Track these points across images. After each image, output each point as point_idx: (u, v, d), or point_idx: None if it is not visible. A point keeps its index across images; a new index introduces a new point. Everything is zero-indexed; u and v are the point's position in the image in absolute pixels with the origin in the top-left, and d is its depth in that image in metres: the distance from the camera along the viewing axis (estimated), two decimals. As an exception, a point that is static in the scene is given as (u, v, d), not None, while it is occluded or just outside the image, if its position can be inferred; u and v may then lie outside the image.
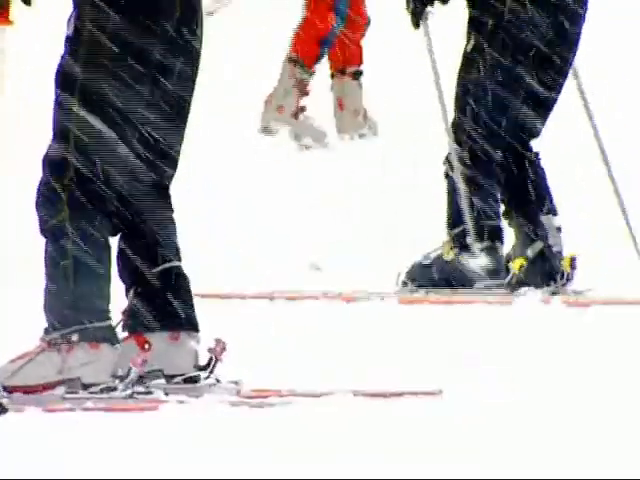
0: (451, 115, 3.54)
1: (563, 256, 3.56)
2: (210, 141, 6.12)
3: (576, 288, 3.58)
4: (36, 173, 1.93)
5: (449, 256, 3.43)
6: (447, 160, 3.51)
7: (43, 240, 1.88)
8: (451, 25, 3.99)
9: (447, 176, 3.50)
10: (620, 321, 2.99)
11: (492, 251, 3.41)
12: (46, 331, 1.86)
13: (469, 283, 3.41)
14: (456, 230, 3.42)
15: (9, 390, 1.82)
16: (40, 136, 2.05)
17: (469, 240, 3.40)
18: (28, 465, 1.46)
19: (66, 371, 1.83)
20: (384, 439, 1.54)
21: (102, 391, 1.84)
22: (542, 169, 3.53)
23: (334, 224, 5.66)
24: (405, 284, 3.51)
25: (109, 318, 1.89)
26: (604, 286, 3.55)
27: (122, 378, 1.85)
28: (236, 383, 1.97)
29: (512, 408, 1.76)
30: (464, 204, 3.31)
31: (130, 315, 1.95)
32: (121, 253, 1.94)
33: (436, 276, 3.43)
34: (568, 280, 3.56)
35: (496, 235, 3.43)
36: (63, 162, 1.84)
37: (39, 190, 1.87)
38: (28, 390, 1.83)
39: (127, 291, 1.96)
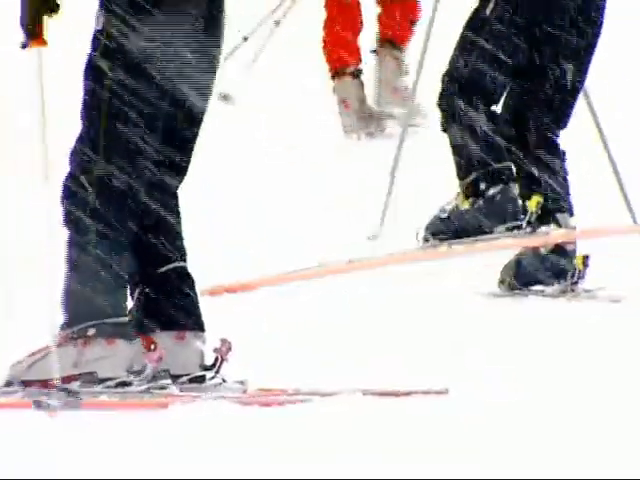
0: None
1: (576, 254, 3.54)
2: (221, 142, 6.13)
3: (587, 287, 3.56)
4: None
5: (465, 206, 3.38)
6: (443, 107, 3.42)
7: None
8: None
9: (445, 128, 3.44)
10: (630, 321, 2.96)
11: (507, 193, 3.35)
12: (63, 325, 1.87)
13: (489, 229, 3.37)
14: (467, 179, 3.36)
15: (25, 384, 1.83)
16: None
17: (482, 186, 3.35)
18: (29, 465, 1.47)
19: (82, 365, 1.84)
20: (388, 439, 1.54)
21: (117, 386, 1.84)
22: (566, 169, 3.48)
23: (342, 225, 5.65)
24: (427, 240, 3.46)
25: (126, 314, 1.91)
26: (615, 285, 3.53)
27: (137, 373, 1.86)
28: (242, 383, 1.96)
29: (517, 407, 1.73)
30: (471, 150, 3.24)
31: (135, 315, 1.95)
32: None
33: (456, 227, 3.37)
34: (580, 278, 3.53)
35: (508, 175, 3.36)
36: (91, 157, 1.86)
37: (65, 184, 1.88)
38: (44, 384, 1.83)
39: (132, 291, 1.96)
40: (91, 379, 1.84)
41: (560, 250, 3.42)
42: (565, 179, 3.47)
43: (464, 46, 3.35)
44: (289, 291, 3.61)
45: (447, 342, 2.57)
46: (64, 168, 1.93)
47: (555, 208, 3.46)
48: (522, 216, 3.38)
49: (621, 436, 1.46)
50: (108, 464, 1.46)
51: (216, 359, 1.95)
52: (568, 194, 3.50)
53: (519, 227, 3.39)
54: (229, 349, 1.95)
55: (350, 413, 1.74)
